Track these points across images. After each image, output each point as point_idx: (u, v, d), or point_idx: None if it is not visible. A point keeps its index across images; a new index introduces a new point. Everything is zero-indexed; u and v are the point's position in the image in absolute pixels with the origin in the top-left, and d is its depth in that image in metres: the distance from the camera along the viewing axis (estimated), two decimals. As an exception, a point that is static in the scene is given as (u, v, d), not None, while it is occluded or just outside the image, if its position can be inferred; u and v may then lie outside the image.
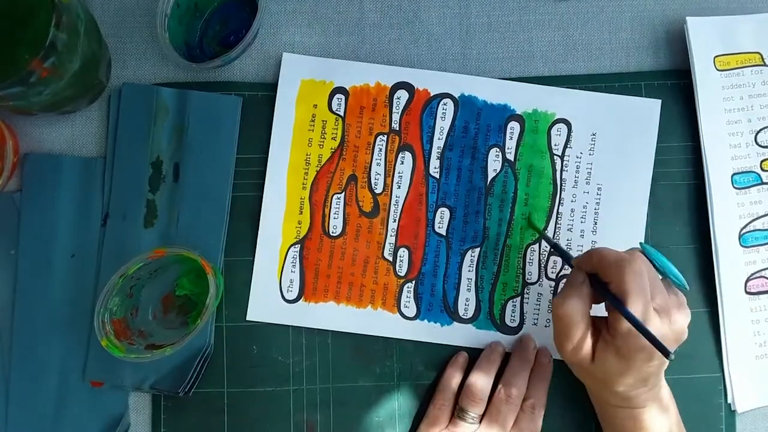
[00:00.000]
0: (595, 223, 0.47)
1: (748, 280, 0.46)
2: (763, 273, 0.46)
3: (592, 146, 0.48)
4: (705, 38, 0.47)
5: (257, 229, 0.47)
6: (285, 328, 0.47)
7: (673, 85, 0.48)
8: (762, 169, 0.47)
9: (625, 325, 0.37)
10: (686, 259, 0.47)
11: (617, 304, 0.37)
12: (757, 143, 0.47)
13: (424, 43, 0.49)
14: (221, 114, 0.47)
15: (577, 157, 0.47)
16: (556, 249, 0.45)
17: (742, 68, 0.47)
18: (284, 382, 0.46)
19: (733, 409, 0.46)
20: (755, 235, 0.46)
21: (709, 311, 0.47)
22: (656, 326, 0.37)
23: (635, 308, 0.36)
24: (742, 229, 0.46)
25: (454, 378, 0.45)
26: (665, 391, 0.41)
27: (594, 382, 0.41)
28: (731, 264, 0.46)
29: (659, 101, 0.47)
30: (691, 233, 0.48)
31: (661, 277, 0.39)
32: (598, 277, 0.39)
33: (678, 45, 0.48)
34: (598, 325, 0.40)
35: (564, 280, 0.46)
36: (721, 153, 0.47)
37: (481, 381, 0.44)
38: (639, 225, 0.47)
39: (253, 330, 0.47)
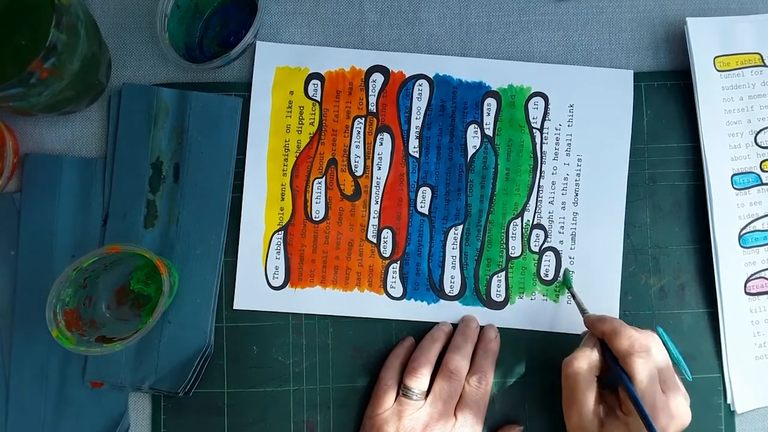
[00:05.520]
0: (576, 195, 0.47)
1: (747, 280, 0.46)
2: (762, 274, 0.46)
3: (571, 117, 0.48)
4: (705, 39, 0.47)
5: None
6: (285, 327, 0.47)
7: (673, 85, 0.48)
8: (762, 170, 0.47)
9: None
10: (686, 260, 0.47)
11: (627, 383, 0.37)
12: (757, 144, 0.47)
13: (424, 43, 0.49)
14: (221, 115, 0.47)
15: (556, 129, 0.48)
16: (575, 299, 0.45)
17: (742, 69, 0.47)
18: (284, 383, 0.46)
19: (732, 409, 0.46)
20: (755, 236, 0.46)
21: (709, 312, 0.47)
22: (663, 410, 0.37)
23: (644, 394, 0.37)
24: (741, 230, 0.46)
25: (397, 358, 0.45)
26: None
27: None
28: (731, 265, 0.46)
29: (631, 71, 0.48)
30: (690, 233, 0.48)
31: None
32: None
33: (678, 45, 0.48)
34: (610, 402, 0.40)
35: (547, 252, 0.47)
36: (721, 154, 0.47)
37: (422, 357, 0.44)
38: (619, 196, 0.47)
39: (253, 330, 0.47)
